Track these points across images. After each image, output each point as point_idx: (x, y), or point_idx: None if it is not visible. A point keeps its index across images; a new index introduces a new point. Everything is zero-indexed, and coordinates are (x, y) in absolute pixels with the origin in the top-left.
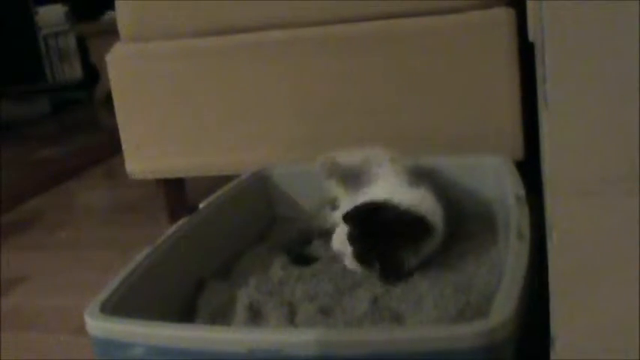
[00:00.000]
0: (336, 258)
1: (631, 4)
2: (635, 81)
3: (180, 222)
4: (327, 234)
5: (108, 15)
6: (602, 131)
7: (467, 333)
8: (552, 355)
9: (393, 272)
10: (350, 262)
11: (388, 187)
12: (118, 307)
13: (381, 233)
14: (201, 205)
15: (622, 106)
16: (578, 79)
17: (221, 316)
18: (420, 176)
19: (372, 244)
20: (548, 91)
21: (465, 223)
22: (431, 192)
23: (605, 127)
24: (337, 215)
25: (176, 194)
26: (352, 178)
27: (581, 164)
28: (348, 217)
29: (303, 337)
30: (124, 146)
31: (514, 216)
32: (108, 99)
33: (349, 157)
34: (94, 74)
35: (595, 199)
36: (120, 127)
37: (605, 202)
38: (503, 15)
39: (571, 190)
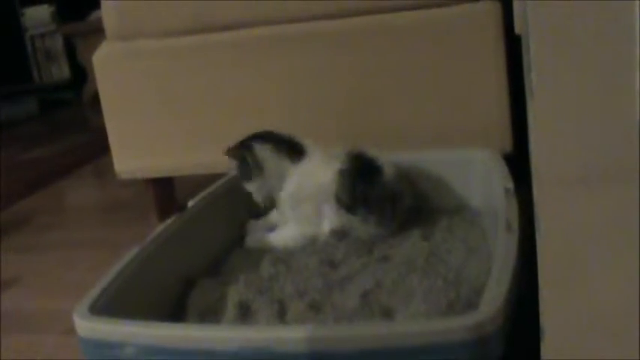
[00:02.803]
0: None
1: None
2: (620, 70)
3: (169, 221)
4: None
5: (94, 15)
6: (587, 121)
7: (456, 326)
8: (542, 346)
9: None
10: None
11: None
12: (107, 307)
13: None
14: (189, 204)
15: (607, 96)
16: (562, 69)
17: (211, 314)
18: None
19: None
20: (533, 80)
21: (454, 216)
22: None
23: (590, 116)
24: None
25: (165, 193)
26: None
27: (566, 154)
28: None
29: (293, 334)
30: (111, 146)
31: (502, 209)
32: (96, 99)
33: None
34: (81, 74)
35: (581, 188)
36: (107, 126)
37: (591, 191)
38: (490, 8)
39: (557, 180)
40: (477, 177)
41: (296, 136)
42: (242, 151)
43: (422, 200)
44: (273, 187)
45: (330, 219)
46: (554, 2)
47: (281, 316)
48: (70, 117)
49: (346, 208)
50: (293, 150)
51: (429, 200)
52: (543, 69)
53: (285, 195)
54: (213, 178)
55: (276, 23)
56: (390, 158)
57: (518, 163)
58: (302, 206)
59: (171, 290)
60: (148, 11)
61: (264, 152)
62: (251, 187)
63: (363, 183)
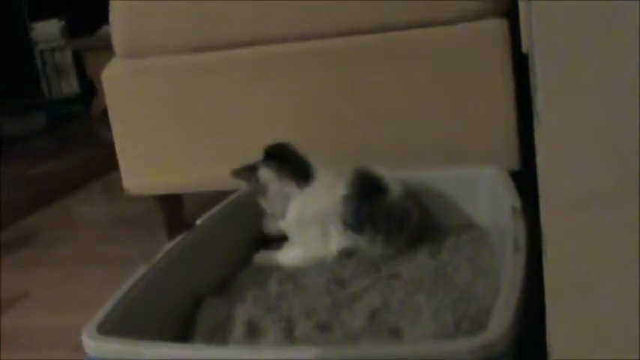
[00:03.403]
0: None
1: (621, 16)
2: (626, 93)
3: (178, 239)
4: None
5: (104, 30)
6: (593, 143)
7: (465, 347)
8: None
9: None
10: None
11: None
12: (115, 326)
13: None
14: (198, 222)
15: (613, 118)
16: (568, 91)
17: (219, 333)
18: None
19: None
20: (539, 102)
21: (461, 234)
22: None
23: (596, 139)
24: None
25: (173, 210)
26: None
27: (572, 177)
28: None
29: (300, 354)
30: (120, 162)
31: (510, 228)
32: (104, 114)
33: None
34: (90, 89)
35: (587, 211)
36: (116, 143)
37: (597, 214)
38: (497, 26)
39: (564, 203)
40: (485, 195)
41: (306, 157)
42: (246, 173)
43: (429, 218)
44: (279, 207)
45: (337, 240)
46: (560, 25)
47: (289, 334)
48: (79, 132)
49: (353, 229)
50: (300, 172)
51: (437, 218)
52: (549, 91)
53: (289, 219)
54: (222, 195)
55: (286, 41)
56: (397, 176)
57: (526, 180)
58: (307, 229)
59: (179, 308)
60: (156, 29)
61: (267, 174)
62: (262, 203)
63: (368, 204)
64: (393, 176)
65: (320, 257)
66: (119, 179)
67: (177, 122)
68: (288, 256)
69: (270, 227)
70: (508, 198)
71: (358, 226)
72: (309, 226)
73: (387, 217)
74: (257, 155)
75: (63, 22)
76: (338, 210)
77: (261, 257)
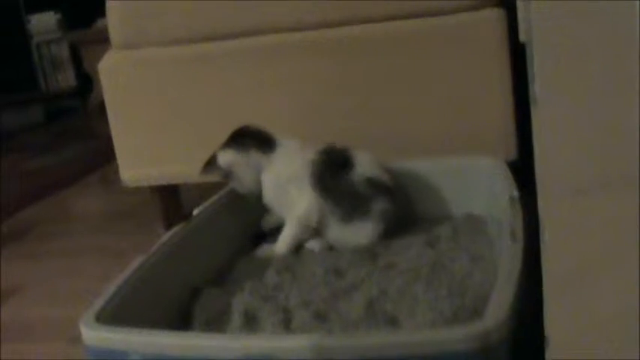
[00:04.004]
0: None
1: (618, 3)
2: (624, 80)
3: (175, 229)
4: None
5: (100, 22)
6: (591, 131)
7: (461, 336)
8: (547, 355)
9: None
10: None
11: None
12: (113, 316)
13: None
14: (195, 212)
15: (611, 105)
16: (566, 79)
17: (216, 323)
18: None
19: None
20: (537, 90)
21: (459, 224)
22: None
23: (594, 126)
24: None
25: (170, 201)
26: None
27: (570, 164)
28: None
29: (298, 343)
30: (117, 154)
31: (507, 217)
32: (101, 107)
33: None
34: (87, 82)
35: (585, 198)
36: (113, 135)
37: (595, 200)
38: (494, 16)
39: (562, 190)
40: (482, 185)
41: (264, 129)
42: (209, 165)
43: (426, 208)
44: (253, 182)
45: (308, 201)
46: (558, 13)
47: (286, 325)
48: (76, 125)
49: (319, 192)
50: (261, 141)
51: (434, 208)
52: (547, 79)
53: (267, 188)
54: (218, 186)
55: (283, 31)
56: (383, 164)
57: (523, 170)
58: (286, 193)
59: (176, 299)
60: (153, 20)
61: (226, 157)
62: (237, 187)
63: (333, 174)
64: (370, 160)
65: (309, 223)
66: (116, 172)
67: (173, 113)
68: (280, 242)
69: (270, 223)
70: (505, 188)
71: (323, 190)
72: (286, 189)
73: (346, 193)
74: None
75: (59, 15)
76: (307, 172)
77: (263, 251)
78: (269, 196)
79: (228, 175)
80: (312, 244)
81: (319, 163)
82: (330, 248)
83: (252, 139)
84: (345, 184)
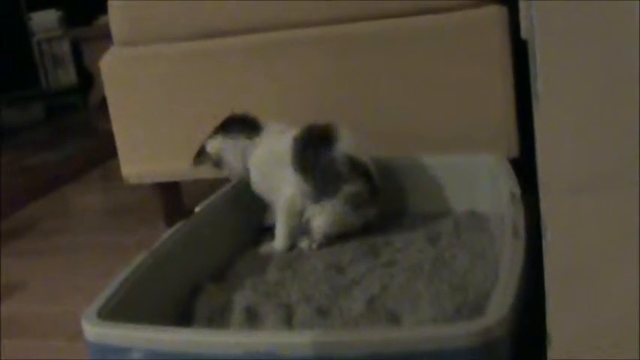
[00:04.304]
0: None
1: (619, 2)
2: (625, 78)
3: (176, 226)
4: None
5: (101, 19)
6: (593, 127)
7: (463, 332)
8: (549, 353)
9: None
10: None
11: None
12: (115, 312)
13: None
14: (196, 209)
15: (612, 103)
16: (568, 77)
17: (218, 319)
18: None
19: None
20: (539, 88)
21: (460, 221)
22: None
23: (595, 123)
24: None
25: (172, 198)
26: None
27: (572, 162)
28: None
29: (299, 339)
30: (119, 150)
31: (509, 214)
32: (103, 103)
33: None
34: (88, 79)
35: (587, 195)
36: (115, 131)
37: (597, 198)
38: (496, 13)
39: (563, 187)
40: (484, 182)
41: (252, 116)
42: (200, 156)
43: (427, 204)
44: (242, 167)
45: (290, 184)
46: (560, 10)
47: (288, 321)
48: (77, 122)
49: (298, 171)
50: (245, 126)
51: (436, 205)
52: (549, 76)
53: (252, 171)
54: (220, 183)
55: (284, 28)
56: (366, 150)
57: (525, 167)
58: (270, 175)
59: (178, 295)
60: (154, 17)
61: (213, 145)
62: (228, 175)
63: (312, 150)
64: (353, 138)
65: (295, 208)
66: (117, 169)
67: (175, 109)
68: (276, 238)
69: (272, 220)
70: (507, 185)
71: (302, 168)
72: (271, 172)
73: (324, 171)
74: None
75: (60, 12)
76: (289, 151)
77: (265, 248)
78: (256, 182)
79: (218, 163)
80: (303, 244)
81: (300, 140)
82: (320, 246)
83: (238, 125)
84: (325, 162)
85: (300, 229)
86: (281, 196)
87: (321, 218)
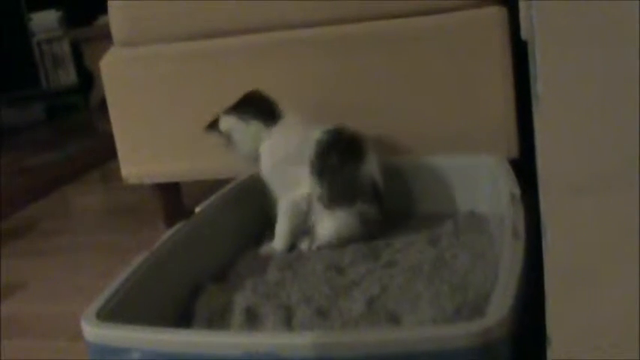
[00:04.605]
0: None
1: (620, 2)
2: (626, 78)
3: (177, 226)
4: None
5: (102, 20)
6: (593, 128)
7: (463, 333)
8: (549, 354)
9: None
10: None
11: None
12: (114, 312)
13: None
14: (197, 210)
15: (613, 103)
16: (568, 77)
17: (218, 320)
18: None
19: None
20: (539, 88)
21: (460, 221)
22: None
23: (596, 124)
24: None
25: (172, 198)
26: None
27: (572, 162)
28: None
29: (299, 340)
30: (119, 151)
31: (509, 215)
32: (103, 104)
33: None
34: (88, 79)
35: (587, 196)
36: (115, 131)
37: (597, 198)
38: (496, 13)
39: (563, 188)
40: (484, 182)
41: (272, 99)
42: (212, 128)
43: (427, 205)
44: (249, 151)
45: (302, 183)
46: (561, 9)
47: (288, 321)
48: (77, 122)
49: (315, 174)
50: (264, 111)
51: (436, 205)
52: (549, 77)
53: (264, 159)
54: (220, 183)
55: (285, 28)
56: (391, 161)
57: (525, 168)
58: (282, 170)
59: (178, 296)
60: (155, 17)
61: (228, 124)
62: (232, 152)
63: (337, 156)
64: (377, 159)
65: (300, 209)
66: (117, 169)
67: (175, 110)
68: (276, 238)
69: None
70: (507, 186)
71: (320, 172)
72: (283, 167)
73: (344, 180)
74: None
75: (61, 13)
76: (308, 153)
77: (265, 249)
78: (266, 170)
79: (227, 140)
80: (303, 245)
81: (325, 144)
82: (319, 247)
83: (256, 107)
84: (348, 174)
85: (301, 229)
86: (289, 193)
87: (329, 225)
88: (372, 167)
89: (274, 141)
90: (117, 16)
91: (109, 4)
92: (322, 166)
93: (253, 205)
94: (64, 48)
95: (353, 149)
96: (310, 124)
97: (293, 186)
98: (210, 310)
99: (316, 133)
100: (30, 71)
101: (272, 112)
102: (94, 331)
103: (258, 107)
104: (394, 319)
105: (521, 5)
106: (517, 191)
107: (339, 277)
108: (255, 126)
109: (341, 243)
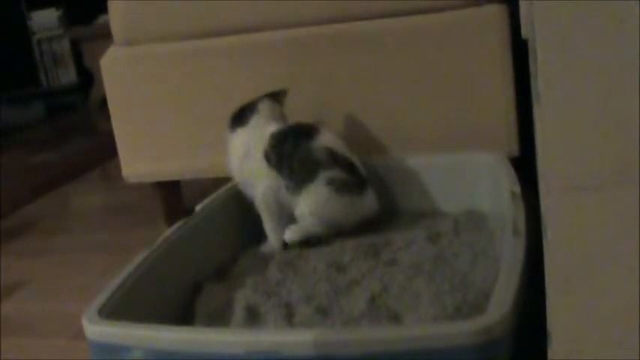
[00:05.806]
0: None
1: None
2: (626, 77)
3: (177, 225)
4: None
5: (101, 19)
6: (593, 126)
7: (464, 330)
8: (549, 351)
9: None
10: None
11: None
12: (115, 310)
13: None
14: (197, 208)
15: (613, 101)
16: (568, 75)
17: (219, 318)
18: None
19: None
20: (540, 86)
21: (461, 219)
22: None
23: (596, 121)
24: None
25: (172, 197)
26: None
27: (573, 160)
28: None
29: (300, 338)
30: (119, 150)
31: (509, 212)
32: (103, 103)
33: None
34: (88, 78)
35: (588, 193)
36: (115, 130)
37: (597, 196)
38: (496, 12)
39: (564, 185)
40: (484, 180)
41: (251, 105)
42: None
43: (428, 203)
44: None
45: (264, 178)
46: (561, 9)
47: (288, 320)
48: (77, 121)
49: (272, 164)
50: (236, 122)
51: (436, 203)
52: (550, 75)
53: (231, 158)
54: (220, 182)
55: (284, 27)
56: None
57: (525, 166)
58: (245, 168)
59: (179, 294)
60: (155, 16)
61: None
62: None
63: (290, 145)
64: (334, 137)
65: (269, 203)
66: (117, 168)
67: (175, 109)
68: (269, 238)
69: None
70: (507, 184)
71: (276, 162)
72: (245, 166)
73: (300, 162)
74: None
75: (60, 11)
76: (262, 146)
77: (266, 247)
78: (233, 173)
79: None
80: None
81: (277, 135)
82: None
83: (235, 118)
84: (302, 152)
85: (288, 223)
86: (256, 192)
87: (303, 203)
88: (324, 139)
89: (237, 141)
90: (117, 14)
91: (109, 3)
92: (277, 155)
93: (254, 203)
94: (64, 47)
95: (304, 133)
96: (273, 123)
97: (258, 183)
98: (211, 309)
99: (271, 129)
100: (30, 70)
101: (239, 118)
102: (96, 329)
103: (236, 116)
104: (395, 317)
105: (522, 4)
106: (517, 189)
107: (340, 275)
108: (229, 134)
109: (329, 220)
